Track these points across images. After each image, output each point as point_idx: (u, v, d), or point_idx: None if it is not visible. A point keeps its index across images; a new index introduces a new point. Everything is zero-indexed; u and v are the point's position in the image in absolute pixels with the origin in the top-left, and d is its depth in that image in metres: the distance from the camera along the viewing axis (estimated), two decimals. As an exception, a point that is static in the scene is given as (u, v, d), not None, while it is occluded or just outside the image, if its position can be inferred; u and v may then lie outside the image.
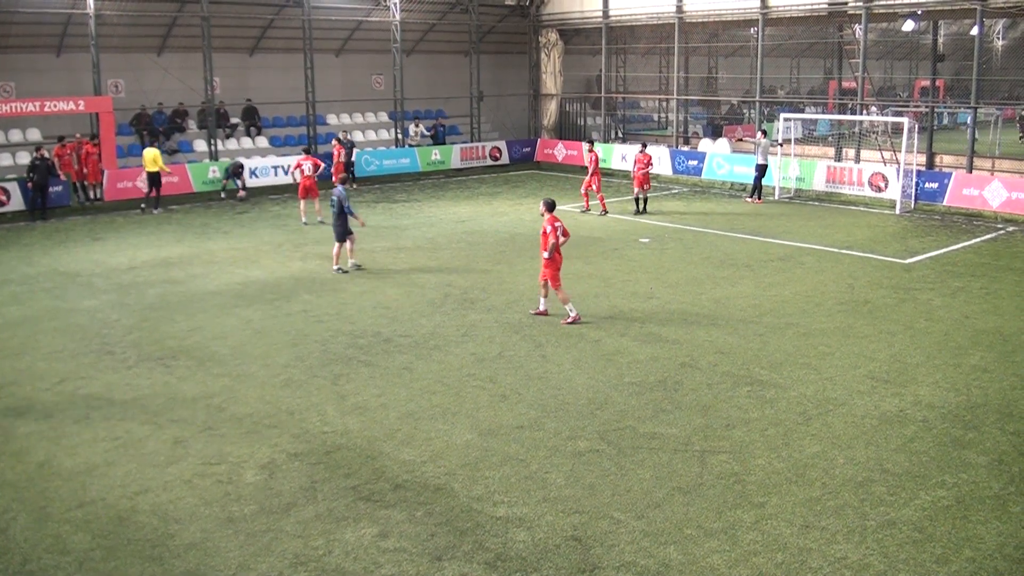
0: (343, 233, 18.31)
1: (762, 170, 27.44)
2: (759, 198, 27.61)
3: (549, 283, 14.86)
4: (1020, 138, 37.13)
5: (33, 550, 7.97)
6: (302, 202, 24.36)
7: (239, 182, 28.24)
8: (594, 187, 25.38)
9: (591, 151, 25.60)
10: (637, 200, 25.67)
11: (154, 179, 26.25)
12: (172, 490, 9.03)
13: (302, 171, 23.99)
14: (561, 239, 14.65)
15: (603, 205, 25.79)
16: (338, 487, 9.07)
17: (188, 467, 9.56)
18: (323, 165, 25.07)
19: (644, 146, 26.47)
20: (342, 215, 18.14)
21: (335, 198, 18.26)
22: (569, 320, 14.72)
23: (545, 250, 14.61)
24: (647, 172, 25.51)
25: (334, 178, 24.76)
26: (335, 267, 18.57)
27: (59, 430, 10.46)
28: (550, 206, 14.91)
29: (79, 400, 11.48)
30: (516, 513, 8.49)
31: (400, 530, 8.21)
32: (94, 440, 10.24)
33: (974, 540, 7.99)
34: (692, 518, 8.37)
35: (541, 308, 15.23)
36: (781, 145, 28.62)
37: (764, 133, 27.56)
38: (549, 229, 14.54)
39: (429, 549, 7.90)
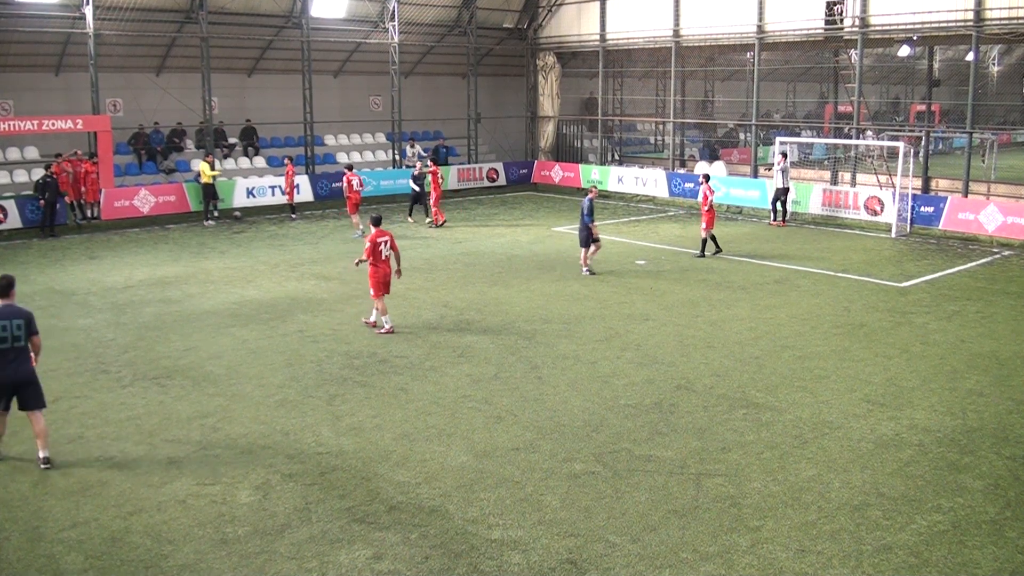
0: (585, 239, 19.96)
1: (784, 193, 27.56)
2: (783, 220, 27.82)
3: (376, 294, 15.45)
4: (983, 161, 37.05)
5: (26, 570, 7.92)
6: (354, 217, 25.55)
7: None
8: (431, 199, 27.59)
9: (432, 168, 27.80)
10: (705, 242, 22.38)
11: (208, 190, 27.61)
12: (166, 511, 8.99)
13: (350, 186, 24.90)
14: (389, 252, 15.37)
15: (437, 217, 27.37)
16: (332, 508, 9.03)
17: (182, 487, 9.52)
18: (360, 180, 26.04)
19: (707, 178, 22.98)
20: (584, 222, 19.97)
21: (583, 207, 19.98)
22: (368, 321, 15.65)
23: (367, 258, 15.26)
24: (712, 206, 22.25)
25: (351, 207, 25.60)
26: (584, 270, 20.25)
27: (53, 449, 10.40)
28: (375, 221, 15.62)
29: (73, 419, 11.43)
30: (511, 536, 8.46)
31: (394, 552, 8.17)
32: (88, 459, 10.20)
33: (970, 565, 7.97)
34: (688, 542, 8.34)
35: (371, 319, 15.80)
36: (771, 168, 28.79)
37: (784, 156, 27.61)
38: (368, 247, 15.20)
39: (423, 572, 7.86)
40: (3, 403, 9.89)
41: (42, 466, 9.87)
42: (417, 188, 28.20)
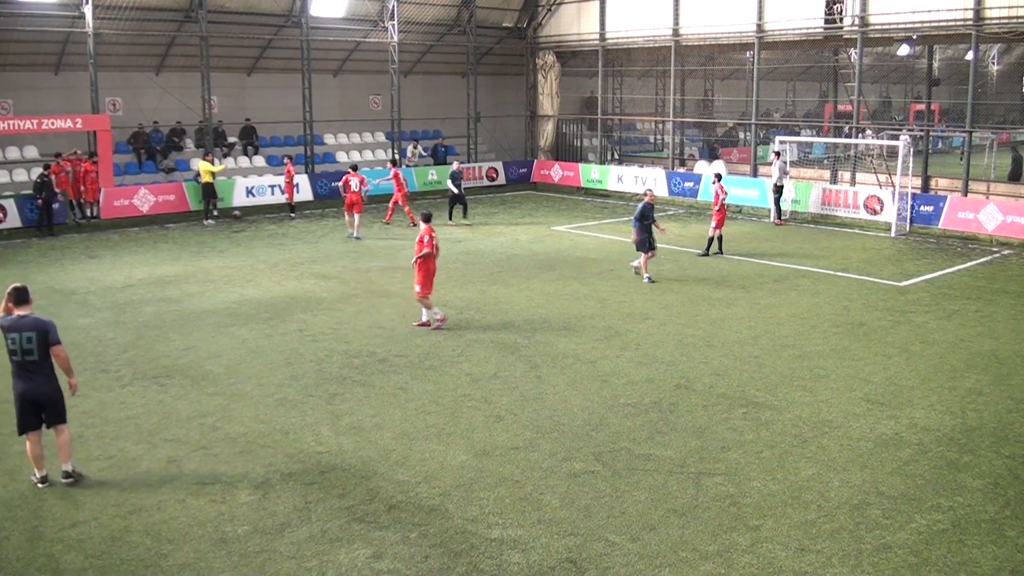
0: (643, 243, 19.36)
1: (780, 191, 27.66)
2: (780, 218, 27.86)
3: (423, 291, 15.57)
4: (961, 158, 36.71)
5: (26, 569, 7.92)
6: (347, 216, 25.32)
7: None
8: (400, 202, 27.30)
9: (393, 172, 27.22)
10: (711, 240, 22.55)
11: (208, 189, 27.50)
12: (165, 510, 8.99)
13: (349, 187, 25.03)
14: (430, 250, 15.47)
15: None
16: (332, 508, 9.03)
17: (181, 487, 9.52)
18: (367, 184, 25.90)
19: (719, 177, 23.46)
20: (643, 226, 19.36)
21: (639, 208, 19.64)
22: (421, 323, 15.69)
23: (418, 255, 15.41)
24: (723, 206, 22.34)
25: (353, 207, 25.29)
26: (645, 277, 19.52)
27: (52, 449, 10.39)
28: (426, 218, 15.84)
29: (73, 418, 11.34)
30: (511, 535, 8.46)
31: (394, 551, 8.18)
32: (88, 459, 10.20)
33: (970, 564, 7.97)
34: (687, 541, 8.35)
35: (424, 318, 15.84)
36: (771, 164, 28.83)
37: (778, 155, 27.66)
38: (427, 239, 15.29)
39: (423, 571, 7.86)
40: (32, 420, 9.39)
41: (63, 480, 9.46)
42: (455, 190, 27.36)
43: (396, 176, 27.40)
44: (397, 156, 35.19)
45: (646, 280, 19.28)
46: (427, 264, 15.39)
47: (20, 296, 9.32)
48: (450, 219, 27.68)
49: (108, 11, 27.65)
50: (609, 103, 39.14)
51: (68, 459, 9.55)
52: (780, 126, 39.62)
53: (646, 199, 19.83)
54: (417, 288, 15.50)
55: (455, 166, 28.31)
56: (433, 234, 15.43)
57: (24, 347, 9.18)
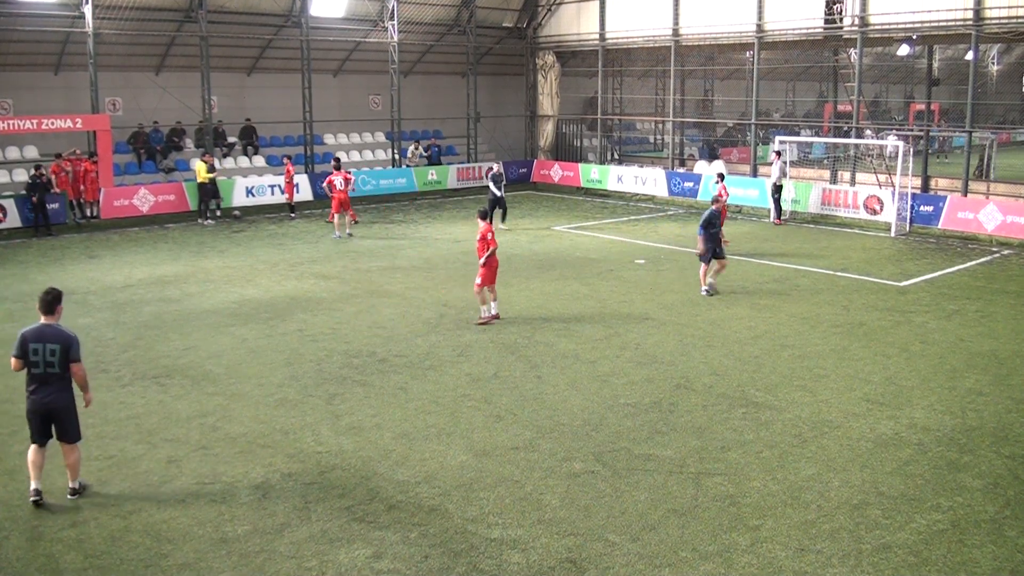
0: (706, 254, 18.15)
1: (779, 190, 27.67)
2: (779, 218, 27.86)
3: (482, 283, 15.84)
4: (935, 155, 37.47)
5: (26, 569, 7.92)
6: (336, 216, 25.07)
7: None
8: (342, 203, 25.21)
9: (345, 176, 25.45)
10: None
11: (206, 189, 27.48)
12: (165, 510, 8.99)
13: (333, 186, 24.77)
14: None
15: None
16: (332, 508, 9.03)
17: (181, 486, 9.52)
18: (354, 179, 25.60)
19: (722, 177, 23.62)
20: (708, 235, 18.11)
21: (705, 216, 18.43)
22: (482, 320, 15.87)
23: (481, 256, 15.77)
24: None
25: (335, 206, 24.92)
26: (703, 289, 18.29)
27: (52, 448, 10.36)
28: (483, 215, 16.29)
29: (73, 418, 11.41)
30: (510, 535, 8.46)
31: (394, 551, 8.18)
32: (87, 459, 10.17)
33: (970, 564, 7.97)
34: (687, 541, 8.35)
35: (493, 311, 16.11)
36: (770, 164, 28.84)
37: (778, 155, 27.65)
38: (491, 236, 15.72)
39: (423, 571, 7.86)
40: (38, 433, 9.11)
41: (69, 496, 9.25)
42: (498, 192, 26.20)
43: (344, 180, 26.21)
44: (397, 156, 35.25)
45: (704, 292, 18.12)
46: (492, 260, 15.76)
47: (46, 305, 9.07)
48: (501, 222, 26.49)
49: (108, 11, 27.67)
50: (609, 103, 39.14)
51: (76, 479, 9.32)
52: (780, 126, 39.62)
53: (714, 207, 18.63)
54: (478, 280, 15.80)
55: (495, 168, 27.41)
56: (491, 233, 15.81)
57: (47, 359, 8.90)
